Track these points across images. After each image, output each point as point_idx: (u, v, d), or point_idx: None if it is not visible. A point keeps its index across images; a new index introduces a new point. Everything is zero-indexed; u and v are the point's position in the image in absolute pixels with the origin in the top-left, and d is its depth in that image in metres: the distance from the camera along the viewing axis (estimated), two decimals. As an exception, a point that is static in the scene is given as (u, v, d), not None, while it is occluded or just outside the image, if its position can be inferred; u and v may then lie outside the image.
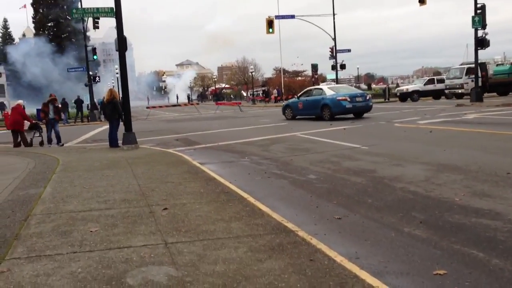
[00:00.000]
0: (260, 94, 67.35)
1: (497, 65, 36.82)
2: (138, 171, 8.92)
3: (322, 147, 11.67)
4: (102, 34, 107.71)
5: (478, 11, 24.66)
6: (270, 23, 34.31)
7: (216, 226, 5.01)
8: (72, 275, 3.72)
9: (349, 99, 19.74)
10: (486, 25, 24.89)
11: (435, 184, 6.73)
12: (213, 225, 5.07)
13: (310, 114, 21.36)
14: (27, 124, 16.15)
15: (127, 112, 13.57)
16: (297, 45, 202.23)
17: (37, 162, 10.55)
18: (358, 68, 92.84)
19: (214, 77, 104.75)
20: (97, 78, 33.81)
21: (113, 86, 27.79)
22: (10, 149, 15.12)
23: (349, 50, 39.60)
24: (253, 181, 8.10)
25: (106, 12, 13.83)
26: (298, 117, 22.21)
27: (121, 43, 12.77)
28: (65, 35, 66.05)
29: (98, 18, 26.43)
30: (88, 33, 51.79)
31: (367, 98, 20.79)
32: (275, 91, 64.55)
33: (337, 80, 40.74)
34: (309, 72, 73.05)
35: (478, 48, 25.42)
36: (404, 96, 35.47)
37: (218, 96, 76.23)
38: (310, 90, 23.10)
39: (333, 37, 37.65)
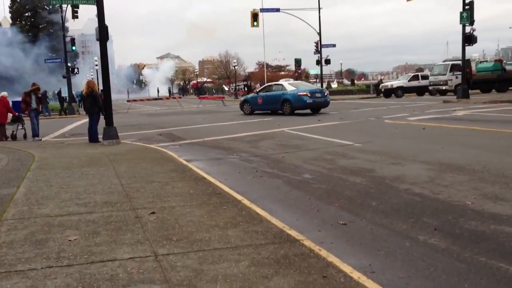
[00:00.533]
0: (242, 89, 66.76)
1: (480, 62, 36.98)
2: (120, 169, 8.32)
3: (313, 144, 11.22)
4: (81, 25, 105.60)
5: (466, 7, 24.54)
6: (254, 16, 33.73)
7: (211, 234, 4.49)
8: (47, 297, 3.17)
9: (309, 95, 20.73)
10: (474, 21, 24.79)
11: (441, 185, 6.33)
12: (208, 232, 4.55)
13: (270, 109, 22.09)
14: (9, 116, 15.30)
15: (108, 105, 12.89)
16: (280, 40, 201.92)
17: (10, 158, 9.85)
18: (341, 64, 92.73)
19: (196, 70, 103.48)
20: (75, 70, 32.69)
21: (92, 78, 26.80)
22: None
23: (334, 45, 39.26)
24: (244, 180, 7.60)
25: (87, 0, 13.09)
26: (256, 111, 22.80)
27: (103, 32, 12.07)
28: (42, 25, 64.08)
29: (78, 7, 25.49)
30: (66, 24, 50.35)
31: (325, 94, 22.03)
32: (257, 85, 64.09)
33: (321, 75, 40.42)
34: (292, 67, 72.80)
35: (466, 44, 25.28)
36: (389, 92, 35.35)
37: (200, 90, 75.25)
38: (270, 86, 23.95)
39: (318, 31, 37.26)
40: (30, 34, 61.96)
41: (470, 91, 27.14)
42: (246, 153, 10.37)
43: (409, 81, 35.49)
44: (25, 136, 15.29)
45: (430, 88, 33.90)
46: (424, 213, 5.18)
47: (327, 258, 3.79)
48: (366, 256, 4.04)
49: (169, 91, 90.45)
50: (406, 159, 8.46)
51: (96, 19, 12.53)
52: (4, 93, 15.51)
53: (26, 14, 67.24)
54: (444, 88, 32.64)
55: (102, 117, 13.03)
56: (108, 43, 13.04)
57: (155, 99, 52.53)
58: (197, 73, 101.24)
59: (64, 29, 32.09)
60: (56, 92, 33.45)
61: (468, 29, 25.29)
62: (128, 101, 40.89)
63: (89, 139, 13.04)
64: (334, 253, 3.96)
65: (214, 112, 28.13)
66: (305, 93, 20.78)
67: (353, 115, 19.29)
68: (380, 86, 37.91)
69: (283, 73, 73.88)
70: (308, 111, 21.62)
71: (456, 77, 32.24)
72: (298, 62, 59.56)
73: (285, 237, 4.39)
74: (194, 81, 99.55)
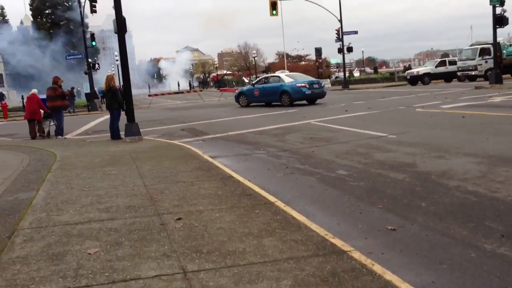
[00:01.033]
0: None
1: (510, 45, 35.44)
2: (143, 168, 7.90)
3: (343, 136, 10.63)
4: (100, 21, 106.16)
5: (497, -13, 23.34)
6: (273, 5, 32.94)
7: (245, 244, 4.00)
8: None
9: (308, 86, 21.24)
10: (504, 1, 23.58)
11: (496, 181, 5.70)
12: (241, 242, 4.06)
13: (267, 100, 22.62)
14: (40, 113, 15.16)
15: (129, 101, 12.52)
16: (297, 30, 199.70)
17: (32, 159, 9.55)
18: (363, 52, 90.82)
19: (216, 63, 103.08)
20: (96, 66, 32.59)
21: (113, 73, 26.63)
22: (7, 142, 14.13)
23: (356, 32, 38.22)
24: (275, 178, 7.08)
25: (104, -8, 12.68)
26: (252, 104, 23.29)
27: (120, 24, 11.65)
28: (62, 22, 64.52)
29: (95, 1, 25.23)
30: (86, 20, 50.45)
31: (322, 85, 22.97)
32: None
33: (344, 64, 39.48)
34: (312, 56, 71.74)
35: (497, 26, 24.08)
36: (414, 79, 34.25)
37: (220, 83, 74.88)
38: (267, 78, 24.45)
39: (339, 18, 36.28)
40: (51, 31, 62.44)
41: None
42: (274, 148, 9.85)
43: (436, 67, 34.30)
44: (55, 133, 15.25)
45: (459, 74, 32.70)
46: (485, 215, 4.58)
47: (384, 275, 3.25)
48: (428, 271, 3.49)
49: (190, 85, 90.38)
50: (449, 152, 7.81)
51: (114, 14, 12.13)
52: (35, 90, 15.29)
53: (47, 12, 67.81)
54: (473, 73, 31.43)
55: (123, 113, 12.68)
56: (127, 39, 12.63)
57: (176, 93, 52.31)
58: (217, 65, 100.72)
59: (84, 24, 31.92)
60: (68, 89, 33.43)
61: (498, 10, 24.08)
62: (149, 95, 40.74)
63: (111, 136, 12.72)
64: (389, 267, 3.42)
65: (236, 105, 27.60)
66: (304, 84, 21.23)
67: (381, 104, 18.52)
68: (406, 73, 36.79)
69: (303, 63, 72.85)
70: (305, 101, 21.88)
71: (486, 62, 31.03)
72: (318, 51, 58.62)
73: (329, 247, 3.87)
74: (214, 74, 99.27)
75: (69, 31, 64.05)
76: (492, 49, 31.06)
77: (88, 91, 32.71)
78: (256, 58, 65.69)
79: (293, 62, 70.26)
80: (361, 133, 10.86)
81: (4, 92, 40.93)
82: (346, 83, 38.16)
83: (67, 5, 60.83)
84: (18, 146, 12.14)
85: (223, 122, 16.48)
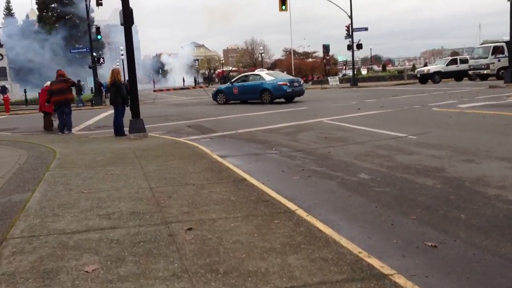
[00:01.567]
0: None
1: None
2: (148, 168, 7.37)
3: (359, 136, 10.06)
4: (106, 16, 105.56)
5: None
6: (283, 0, 32.33)
7: (267, 263, 3.45)
8: None
9: (288, 84, 21.79)
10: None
11: (542, 190, 5.13)
12: (263, 260, 3.51)
13: (247, 98, 22.79)
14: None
15: (134, 96, 11.96)
16: (303, 27, 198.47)
17: (30, 155, 9.03)
18: (371, 49, 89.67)
19: (221, 59, 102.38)
20: (101, 60, 32.05)
21: (118, 67, 26.12)
22: (6, 137, 13.64)
23: (366, 29, 37.52)
24: (291, 181, 6.53)
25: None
26: (231, 101, 23.54)
27: (127, 16, 11.10)
28: (68, 16, 64.01)
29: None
30: (92, 14, 49.89)
31: (301, 83, 23.57)
32: (284, 73, 62.68)
33: (353, 61, 38.80)
34: (319, 53, 70.98)
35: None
36: (425, 78, 33.53)
37: (226, 79, 74.26)
38: (246, 76, 24.78)
39: (349, 14, 35.58)
40: (56, 25, 61.97)
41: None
42: (286, 148, 9.30)
43: (447, 65, 33.57)
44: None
45: (470, 72, 31.99)
46: (539, 231, 4.02)
47: (440, 309, 2.69)
48: (488, 303, 2.93)
49: (195, 81, 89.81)
50: (478, 155, 7.23)
51: (121, 7, 11.55)
52: (48, 83, 14.76)
53: (52, 5, 67.32)
54: (485, 72, 30.71)
55: (128, 108, 12.14)
56: (133, 34, 12.06)
57: (182, 88, 51.79)
58: (223, 61, 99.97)
59: (89, 18, 31.35)
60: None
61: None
62: (154, 91, 40.25)
63: (115, 133, 12.19)
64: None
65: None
66: (285, 82, 21.80)
67: (394, 102, 17.91)
68: (416, 71, 36.08)
69: (310, 59, 72.10)
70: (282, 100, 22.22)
71: (499, 60, 30.31)
72: (326, 48, 58.06)
73: (366, 268, 3.31)
74: (219, 70, 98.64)
75: (74, 26, 63.56)
76: (505, 47, 30.45)
77: (93, 85, 32.20)
78: (263, 54, 64.95)
79: (300, 59, 69.48)
80: (378, 133, 10.28)
81: (7, 86, 40.45)
82: (354, 80, 37.49)
83: (73, -1, 60.31)
84: (17, 141, 11.63)
85: (231, 119, 15.92)
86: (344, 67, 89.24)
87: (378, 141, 9.28)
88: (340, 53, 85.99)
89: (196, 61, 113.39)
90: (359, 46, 37.30)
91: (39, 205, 5.29)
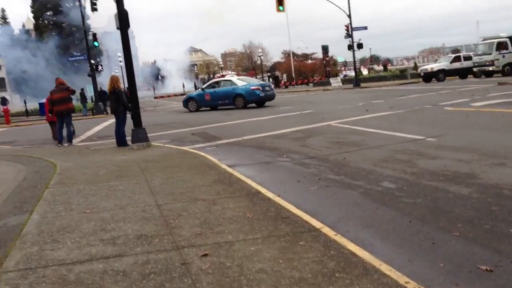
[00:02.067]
0: (268, 80, 64.91)
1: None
2: (154, 181, 6.87)
3: (374, 140, 9.56)
4: (103, 23, 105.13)
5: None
6: (280, 0, 31.90)
7: (301, 299, 2.95)
8: None
9: (261, 89, 22.45)
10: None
11: None
12: (295, 295, 3.02)
13: (220, 104, 23.20)
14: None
15: (135, 104, 11.47)
16: (299, 29, 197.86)
17: (29, 171, 8.54)
18: (370, 49, 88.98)
19: (220, 63, 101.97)
20: (99, 67, 31.57)
21: (117, 74, 25.67)
22: (6, 151, 13.17)
23: (365, 28, 37.04)
24: (309, 193, 6.04)
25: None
26: (202, 108, 23.89)
27: (122, 18, 10.60)
28: (64, 24, 63.58)
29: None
30: (88, 22, 49.51)
31: (272, 88, 24.56)
32: (284, 76, 62.20)
33: (354, 61, 38.31)
34: (318, 55, 70.49)
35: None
36: (429, 76, 33.02)
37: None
38: (217, 82, 25.09)
39: (348, 13, 35.10)
40: (53, 33, 61.62)
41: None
42: (298, 154, 8.81)
43: (451, 63, 33.05)
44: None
45: (475, 69, 31.49)
46: None
47: None
48: None
49: (195, 86, 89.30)
50: (509, 158, 6.72)
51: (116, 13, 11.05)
52: None
53: (48, 13, 66.92)
54: (490, 69, 30.23)
55: (129, 116, 11.65)
56: (130, 40, 11.54)
57: (182, 94, 51.32)
58: (222, 65, 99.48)
59: (85, 23, 30.86)
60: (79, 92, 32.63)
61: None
62: (155, 97, 39.79)
63: (117, 143, 11.71)
64: None
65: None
66: (257, 87, 22.44)
67: (403, 103, 17.40)
68: (419, 69, 35.59)
69: (310, 61, 71.60)
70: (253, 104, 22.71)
71: (503, 56, 29.88)
72: (325, 49, 57.61)
73: (419, 303, 2.81)
74: (218, 74, 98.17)
75: (71, 34, 63.15)
76: (509, 42, 30.00)
77: (92, 93, 31.76)
78: (262, 57, 64.49)
79: (300, 61, 69.00)
80: (393, 135, 9.79)
81: (7, 97, 40.07)
82: (357, 81, 37.00)
83: (68, 6, 59.80)
84: (16, 155, 11.13)
85: (235, 125, 15.43)
86: (344, 68, 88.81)
87: (394, 144, 8.79)
88: (338, 54, 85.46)
89: (195, 66, 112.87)
90: (360, 46, 36.81)
91: (37, 229, 4.80)
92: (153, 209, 5.33)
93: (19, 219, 5.23)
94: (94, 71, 30.20)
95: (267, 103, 23.64)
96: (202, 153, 9.45)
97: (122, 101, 11.51)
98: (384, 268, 3.38)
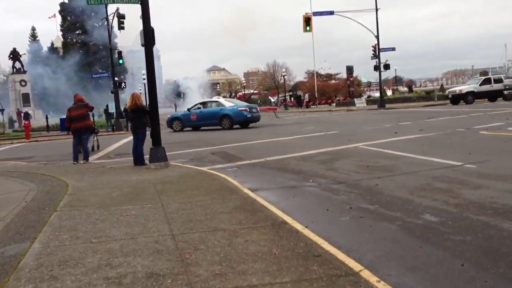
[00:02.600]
0: (290, 99, 64.51)
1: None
2: (171, 206, 6.34)
3: (406, 165, 8.89)
4: (130, 42, 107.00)
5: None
6: (307, 21, 31.63)
7: None
8: None
9: (248, 110, 23.24)
10: None
11: None
12: None
13: (206, 124, 23.61)
14: None
15: (155, 122, 11.04)
16: (323, 50, 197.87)
17: (39, 190, 8.13)
18: (395, 70, 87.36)
19: (243, 82, 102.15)
20: (123, 84, 31.60)
21: (140, 92, 25.67)
22: (21, 168, 12.89)
23: (393, 49, 36.42)
24: (340, 224, 5.42)
25: (128, -1, 11.41)
26: (186, 128, 24.38)
27: (148, 35, 10.28)
28: (92, 42, 64.71)
29: (124, 18, 24.34)
30: (115, 40, 50.27)
31: (257, 109, 25.20)
32: (306, 95, 61.70)
33: (380, 82, 37.61)
34: (342, 75, 69.94)
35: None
36: (457, 98, 32.07)
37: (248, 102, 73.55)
38: (204, 103, 25.54)
39: (376, 34, 34.57)
40: (81, 51, 62.74)
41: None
42: (325, 179, 8.19)
43: (480, 85, 32.08)
44: (98, 147, 16.17)
45: (506, 92, 30.47)
46: None
47: None
48: None
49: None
50: None
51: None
52: None
53: (77, 32, 68.33)
54: (523, 92, 29.20)
55: (148, 134, 11.22)
56: (155, 59, 11.19)
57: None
58: (244, 84, 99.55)
59: (111, 42, 31.11)
60: (103, 108, 32.77)
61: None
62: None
63: (134, 162, 11.26)
64: None
65: (267, 125, 26.01)
66: (245, 108, 23.30)
67: (433, 125, 16.63)
68: (447, 91, 34.67)
69: (333, 81, 71.06)
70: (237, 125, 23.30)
71: (536, 79, 28.85)
72: (350, 69, 57.19)
73: None
74: (240, 93, 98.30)
75: (97, 51, 64.20)
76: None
77: (113, 110, 31.83)
78: (285, 77, 64.21)
79: (323, 81, 68.50)
80: (428, 160, 9.10)
81: (30, 112, 40.55)
82: (382, 102, 36.22)
83: (97, 25, 60.92)
84: (29, 172, 10.78)
85: (258, 144, 14.90)
86: (367, 89, 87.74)
87: (430, 171, 8.10)
88: (361, 75, 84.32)
89: (218, 85, 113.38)
90: (386, 67, 36.12)
91: (36, 261, 4.29)
92: (168, 240, 4.78)
93: (19, 248, 4.74)
94: (117, 88, 30.25)
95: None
96: (223, 175, 8.92)
97: (146, 119, 11.10)
98: (444, 331, 2.74)
